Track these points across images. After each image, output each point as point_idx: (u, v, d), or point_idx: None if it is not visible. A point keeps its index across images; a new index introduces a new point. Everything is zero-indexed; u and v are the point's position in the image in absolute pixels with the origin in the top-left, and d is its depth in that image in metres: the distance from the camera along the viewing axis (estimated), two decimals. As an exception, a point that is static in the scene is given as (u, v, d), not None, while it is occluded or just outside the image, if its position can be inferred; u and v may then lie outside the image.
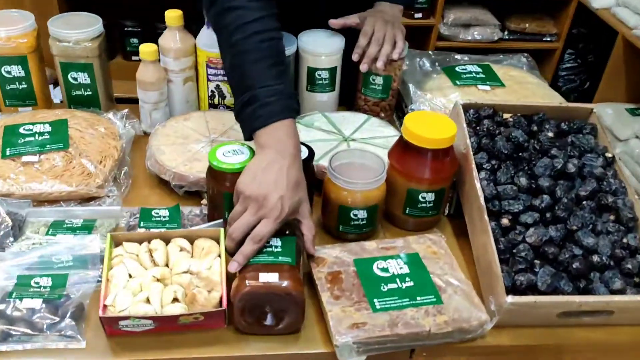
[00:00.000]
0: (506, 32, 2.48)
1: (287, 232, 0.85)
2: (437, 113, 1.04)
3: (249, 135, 0.88)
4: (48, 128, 1.07)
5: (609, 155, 0.99)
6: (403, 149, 0.96)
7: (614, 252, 0.87)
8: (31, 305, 0.80)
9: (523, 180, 0.93)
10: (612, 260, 0.87)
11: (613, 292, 0.85)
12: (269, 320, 0.81)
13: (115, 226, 0.97)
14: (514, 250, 0.87)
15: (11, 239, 0.91)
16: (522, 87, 1.20)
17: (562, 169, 0.94)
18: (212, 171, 0.92)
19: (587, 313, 0.85)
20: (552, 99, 1.20)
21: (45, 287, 0.83)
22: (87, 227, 0.94)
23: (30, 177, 0.98)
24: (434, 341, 0.81)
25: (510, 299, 0.81)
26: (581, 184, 0.95)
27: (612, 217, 0.92)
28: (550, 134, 0.99)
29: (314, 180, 0.97)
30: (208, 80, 1.19)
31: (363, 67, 1.17)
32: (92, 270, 0.86)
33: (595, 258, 0.86)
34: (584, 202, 0.93)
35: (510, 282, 0.84)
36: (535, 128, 1.02)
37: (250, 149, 0.93)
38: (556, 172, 0.94)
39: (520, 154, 0.98)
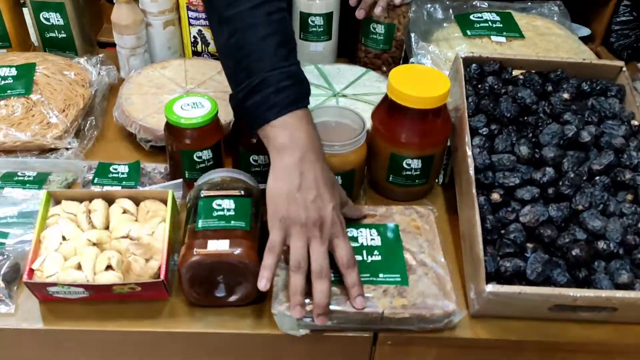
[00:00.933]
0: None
1: (241, 193, 0.75)
2: (429, 67, 0.90)
3: (258, 127, 0.71)
4: (13, 72, 0.99)
5: (635, 122, 0.84)
6: (387, 109, 0.83)
7: (625, 239, 0.74)
8: (-38, 263, 0.74)
9: (524, 149, 0.79)
10: (622, 248, 0.73)
11: (618, 285, 0.71)
12: (221, 292, 0.73)
13: (72, 181, 0.89)
14: (503, 231, 0.75)
15: (-40, 190, 0.85)
16: (545, 39, 1.04)
17: (574, 137, 0.80)
18: (169, 126, 0.83)
19: (585, 308, 0.72)
20: (581, 54, 1.04)
21: (-19, 245, 0.77)
22: (39, 182, 0.87)
23: (-15, 124, 0.92)
24: (387, 326, 0.71)
25: (490, 287, 0.69)
26: (596, 155, 0.80)
27: (629, 197, 0.78)
28: (566, 96, 0.85)
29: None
30: (189, 24, 1.09)
31: (359, 13, 1.04)
32: (36, 228, 0.79)
33: (601, 244, 0.73)
34: (597, 178, 0.78)
35: (494, 267, 0.72)
36: (550, 88, 0.88)
37: (213, 101, 0.83)
38: (566, 141, 0.80)
39: (525, 118, 0.84)
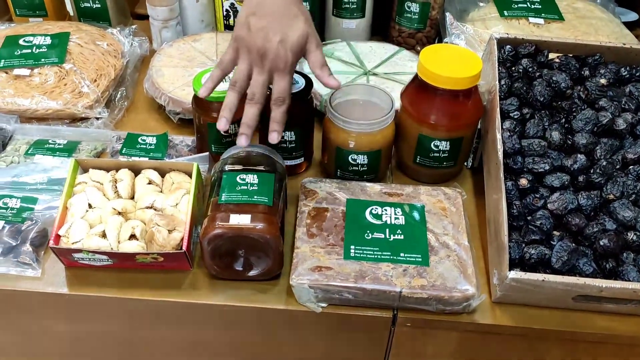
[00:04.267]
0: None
1: (265, 168, 0.75)
2: (462, 48, 0.88)
3: None
4: (48, 41, 1.01)
5: (675, 111, 0.81)
6: (417, 89, 0.82)
7: (657, 231, 0.71)
8: (-8, 226, 0.76)
9: (555, 135, 0.77)
10: (654, 241, 0.71)
11: (648, 279, 0.69)
12: (241, 266, 0.73)
13: (102, 150, 0.91)
14: (529, 218, 0.73)
15: (-7, 155, 0.87)
16: (585, 22, 1.00)
17: (609, 124, 0.77)
18: (197, 99, 0.83)
19: (610, 300, 0.70)
20: (622, 39, 1.00)
21: (12, 209, 0.78)
22: (69, 150, 0.88)
23: (18, 91, 0.93)
24: (406, 305, 0.70)
25: (512, 274, 0.68)
26: (631, 144, 0.78)
27: (664, 189, 0.75)
28: (603, 81, 0.82)
29: (312, 116, 0.86)
30: (222, -3, 1.08)
31: None
32: (65, 195, 0.81)
33: (631, 235, 0.71)
34: (631, 167, 0.76)
35: (519, 254, 0.71)
36: (586, 73, 0.85)
37: (240, 76, 0.83)
38: (600, 128, 0.77)
39: (559, 103, 0.81)
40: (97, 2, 1.09)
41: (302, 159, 0.88)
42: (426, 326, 0.73)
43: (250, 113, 0.73)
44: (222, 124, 0.74)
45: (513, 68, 0.85)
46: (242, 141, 0.73)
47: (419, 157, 0.85)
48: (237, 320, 0.75)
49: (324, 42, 1.09)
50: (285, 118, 0.74)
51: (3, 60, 0.97)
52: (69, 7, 1.16)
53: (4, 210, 0.78)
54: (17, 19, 1.13)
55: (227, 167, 0.76)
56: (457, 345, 0.76)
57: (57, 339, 0.80)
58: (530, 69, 0.84)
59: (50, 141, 0.89)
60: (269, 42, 0.70)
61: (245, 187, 0.73)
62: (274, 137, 0.74)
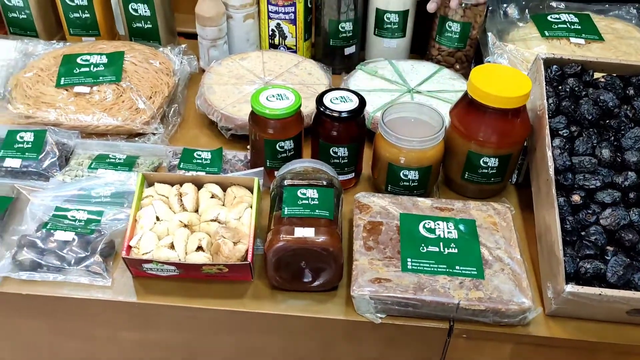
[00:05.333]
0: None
1: (324, 183, 0.78)
2: (510, 67, 0.91)
3: None
4: (104, 60, 1.05)
5: None
6: (466, 107, 0.85)
7: None
8: (63, 238, 0.79)
9: (605, 153, 0.79)
10: None
11: (700, 293, 0.71)
12: (304, 277, 0.76)
13: (158, 165, 0.94)
14: (583, 233, 0.75)
15: (57, 168, 0.91)
16: (625, 42, 1.03)
17: (657, 142, 0.80)
18: (254, 116, 0.86)
19: (664, 314, 0.72)
20: (661, 59, 1.02)
21: (80, 221, 0.82)
22: (129, 164, 0.92)
23: (80, 108, 0.97)
24: (463, 317, 0.73)
25: (570, 287, 0.70)
26: (679, 162, 0.80)
27: None
28: (649, 100, 0.84)
29: (364, 132, 0.89)
30: (269, 17, 1.12)
31: (431, 7, 1.04)
32: (128, 208, 0.84)
33: (683, 251, 0.73)
34: (680, 184, 0.78)
35: (574, 268, 0.73)
36: (631, 92, 0.87)
37: (296, 93, 0.86)
38: (649, 146, 0.80)
39: (607, 121, 0.84)
40: (148, 22, 1.13)
41: (353, 174, 0.91)
42: (482, 337, 0.75)
43: None
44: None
45: (560, 87, 0.88)
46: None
47: (467, 173, 0.88)
48: (297, 330, 0.78)
49: (366, 62, 1.12)
50: None
51: (63, 78, 1.01)
52: (120, 27, 1.20)
53: (73, 222, 0.81)
54: (71, 38, 1.18)
55: (286, 182, 0.79)
56: (510, 358, 0.78)
57: (121, 346, 0.83)
58: (576, 88, 0.87)
59: (110, 156, 0.93)
60: None
61: (307, 202, 0.76)
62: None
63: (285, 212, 0.75)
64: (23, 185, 0.88)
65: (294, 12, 1.10)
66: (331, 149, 0.87)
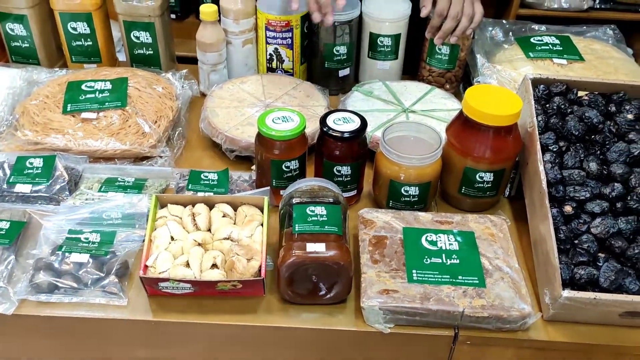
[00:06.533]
0: (598, 0, 2.26)
1: (331, 201, 0.82)
2: (502, 87, 0.96)
3: None
4: (109, 86, 1.08)
5: (697, 142, 0.89)
6: (462, 125, 0.90)
7: (691, 251, 0.79)
8: (79, 260, 0.82)
9: (593, 166, 0.85)
10: (689, 260, 0.78)
11: (686, 295, 0.76)
12: (315, 290, 0.79)
13: (166, 187, 0.97)
14: (576, 241, 0.80)
15: (67, 193, 0.93)
16: (604, 62, 1.10)
17: (640, 155, 0.85)
18: (260, 137, 0.90)
19: (653, 315, 0.77)
20: (639, 77, 1.09)
21: (93, 243, 0.84)
22: (138, 186, 0.95)
23: (87, 133, 1.00)
24: (467, 324, 0.77)
25: (566, 293, 0.74)
26: (661, 173, 0.86)
27: (693, 212, 0.83)
28: (630, 116, 0.90)
29: (366, 151, 0.93)
30: (267, 43, 1.16)
31: (437, 42, 1.10)
32: (139, 229, 0.87)
33: (669, 256, 0.78)
34: (662, 194, 0.84)
35: (569, 275, 0.78)
36: (613, 109, 0.93)
37: (301, 115, 0.90)
38: (632, 159, 0.85)
39: (593, 136, 0.89)
40: (150, 49, 1.17)
41: (355, 191, 0.95)
42: (485, 343, 0.79)
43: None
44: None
45: (547, 105, 0.93)
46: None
47: (464, 187, 0.93)
48: (308, 342, 0.81)
49: (361, 83, 1.17)
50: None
51: (70, 105, 1.04)
52: (122, 54, 1.24)
53: (87, 244, 0.84)
54: (72, 66, 1.21)
55: (294, 200, 0.83)
56: (511, 362, 0.82)
57: (136, 364, 0.85)
58: (562, 106, 0.93)
59: (119, 179, 0.96)
60: None
61: (316, 218, 0.79)
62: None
63: (297, 229, 0.78)
64: (35, 210, 0.91)
65: (291, 37, 1.15)
66: (335, 168, 0.91)
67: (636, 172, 0.84)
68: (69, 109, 1.03)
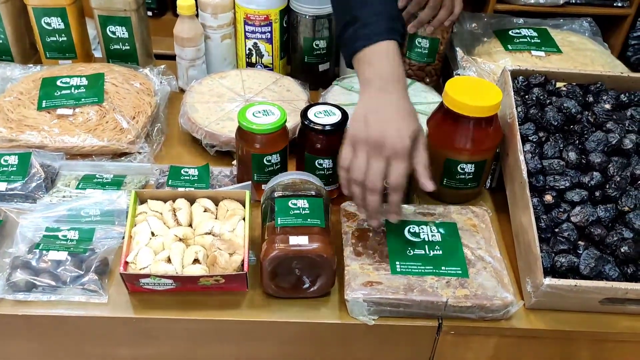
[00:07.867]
0: (574, -5, 2.29)
1: (313, 194, 0.82)
2: (482, 79, 0.97)
3: (349, 59, 0.81)
4: (85, 82, 1.06)
5: (672, 131, 0.90)
6: (443, 117, 0.90)
7: (668, 238, 0.80)
8: (57, 258, 0.80)
9: (572, 155, 0.86)
10: (666, 246, 0.80)
11: (664, 280, 0.77)
12: (298, 284, 0.79)
13: (145, 183, 0.96)
14: (556, 230, 0.81)
15: (43, 190, 0.92)
16: (581, 54, 1.11)
17: (618, 144, 0.86)
18: (241, 131, 0.89)
19: (634, 301, 0.78)
20: (614, 68, 1.11)
21: (72, 241, 0.83)
22: (117, 183, 0.93)
23: (64, 130, 0.98)
24: (450, 314, 0.77)
25: (548, 281, 0.75)
26: (638, 161, 0.87)
27: (670, 200, 0.84)
28: (607, 106, 0.91)
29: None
30: (246, 37, 1.16)
31: (411, 29, 1.10)
32: (118, 226, 0.86)
33: (647, 243, 0.79)
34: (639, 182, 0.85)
35: (550, 263, 0.78)
36: (591, 99, 0.94)
37: (281, 109, 0.90)
38: (610, 148, 0.86)
39: (571, 126, 0.90)
40: (126, 44, 1.15)
41: (337, 185, 0.95)
42: (468, 333, 0.79)
43: (373, 201, 0.75)
44: (375, 224, 0.80)
45: (526, 96, 0.94)
46: (394, 219, 0.79)
47: (445, 179, 0.93)
48: (292, 336, 0.81)
49: (341, 77, 1.17)
50: (402, 202, 0.77)
51: (45, 101, 1.02)
52: (98, 52, 1.22)
53: (65, 242, 0.82)
54: (47, 62, 1.19)
55: (276, 194, 0.82)
56: (495, 350, 0.83)
57: (118, 363, 0.84)
58: (541, 97, 0.93)
59: (97, 176, 0.94)
60: (387, 131, 0.73)
61: (298, 211, 0.79)
62: (393, 218, 0.78)
63: (279, 222, 0.78)
64: (10, 208, 0.89)
65: (270, 32, 1.14)
66: (316, 161, 0.91)
67: (614, 160, 0.85)
68: (44, 105, 1.01)
